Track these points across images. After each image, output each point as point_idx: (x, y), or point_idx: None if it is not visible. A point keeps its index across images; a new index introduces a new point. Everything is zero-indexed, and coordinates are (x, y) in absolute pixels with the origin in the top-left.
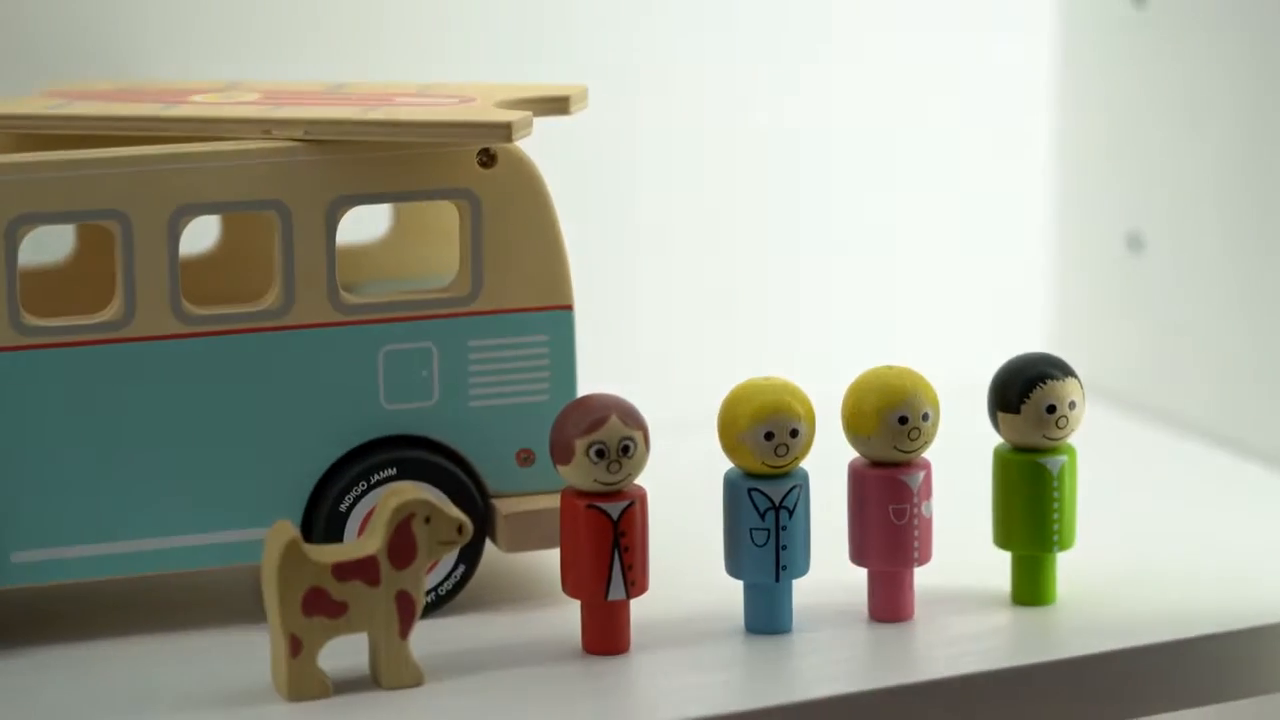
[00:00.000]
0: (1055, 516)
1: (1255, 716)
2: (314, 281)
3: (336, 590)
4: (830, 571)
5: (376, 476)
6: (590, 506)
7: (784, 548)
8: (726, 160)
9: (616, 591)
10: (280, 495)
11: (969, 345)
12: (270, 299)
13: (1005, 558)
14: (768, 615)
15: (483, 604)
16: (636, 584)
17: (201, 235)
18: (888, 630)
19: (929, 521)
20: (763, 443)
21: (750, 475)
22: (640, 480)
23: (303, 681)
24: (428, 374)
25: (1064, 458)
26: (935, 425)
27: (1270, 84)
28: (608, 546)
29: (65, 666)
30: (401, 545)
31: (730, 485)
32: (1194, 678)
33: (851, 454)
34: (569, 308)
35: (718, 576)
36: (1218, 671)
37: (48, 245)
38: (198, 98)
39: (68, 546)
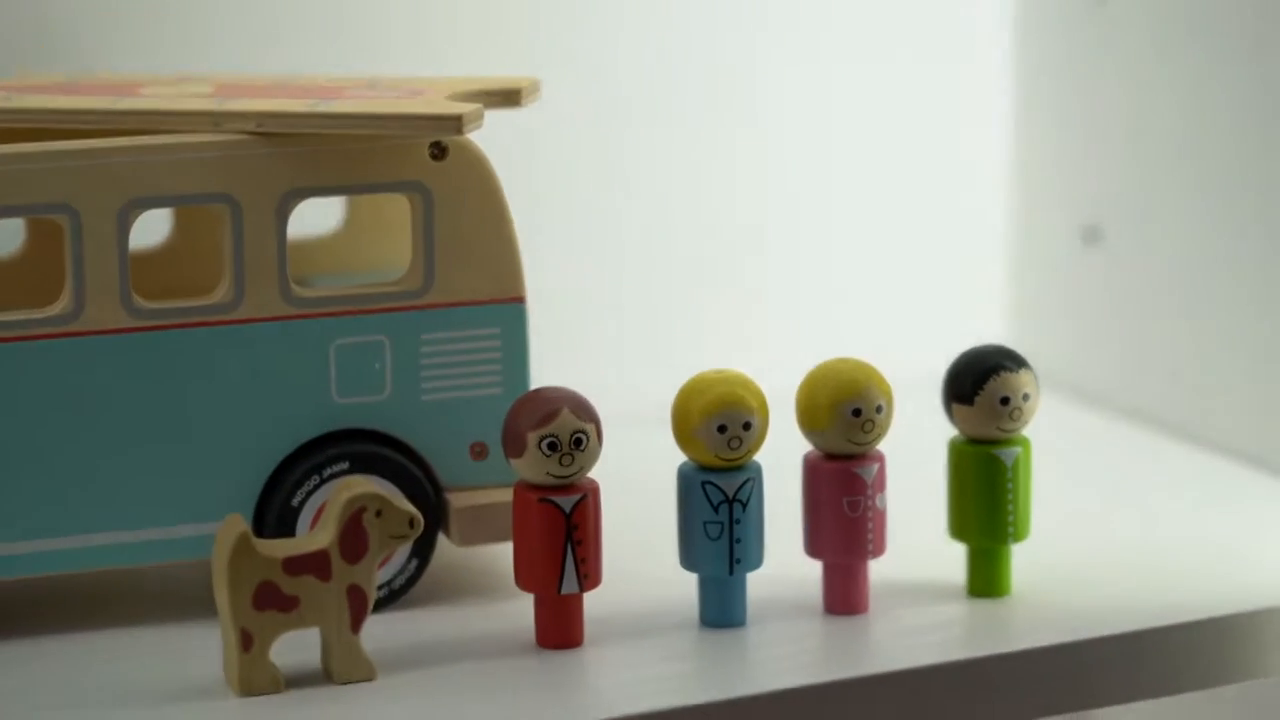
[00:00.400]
0: (1010, 508)
1: (1210, 708)
2: (265, 275)
3: (288, 585)
4: (784, 564)
5: (328, 471)
6: (543, 500)
7: (738, 540)
8: (680, 153)
9: (569, 585)
10: (232, 490)
11: (926, 337)
12: (221, 293)
13: (960, 549)
14: (722, 608)
15: (436, 598)
16: (590, 577)
17: (155, 229)
18: (842, 623)
19: (883, 514)
20: (716, 436)
21: (704, 468)
22: (594, 473)
23: (254, 676)
24: (380, 367)
25: (1018, 449)
26: (889, 418)
27: (1226, 78)
28: (560, 540)
29: (14, 663)
30: (353, 539)
31: (684, 478)
32: (1149, 670)
33: (806, 446)
34: (521, 300)
35: (672, 570)
36: (1172, 664)
37: None
38: (148, 91)
39: (16, 542)
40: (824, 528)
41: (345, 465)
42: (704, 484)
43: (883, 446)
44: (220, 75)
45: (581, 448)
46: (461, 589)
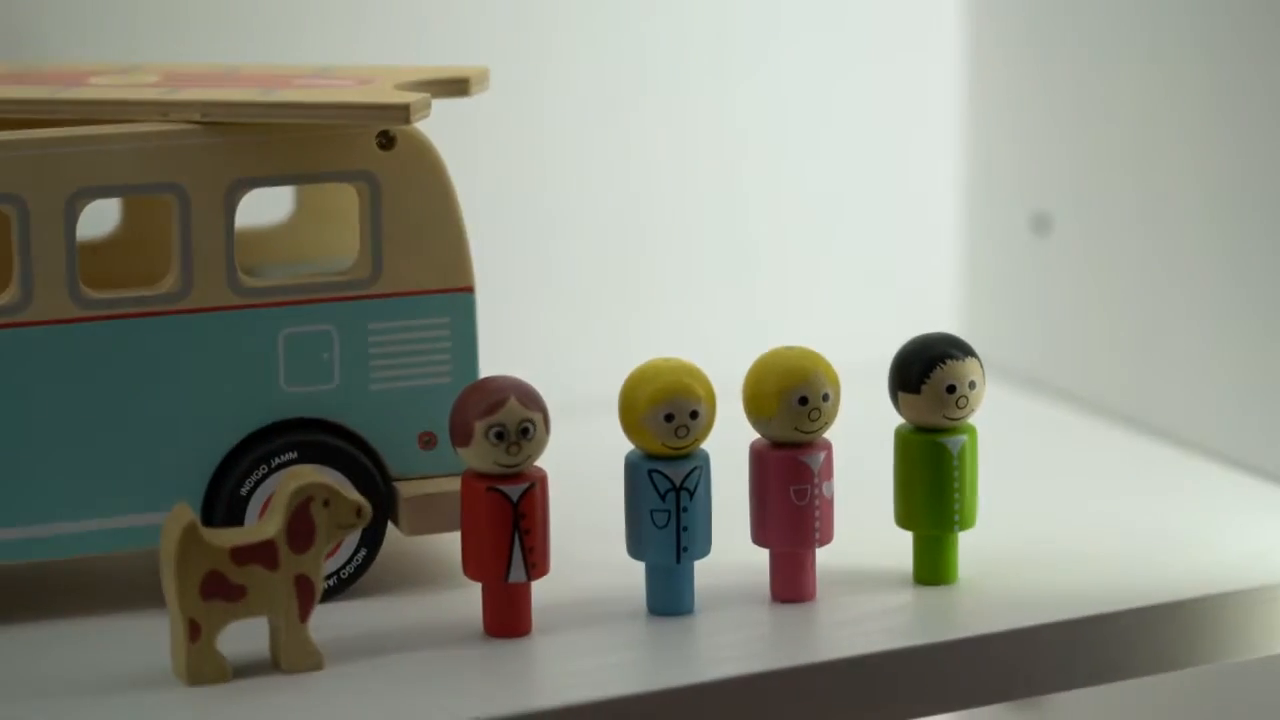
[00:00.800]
0: (956, 496)
1: (1156, 693)
2: (213, 264)
3: (235, 574)
4: (732, 552)
5: (277, 460)
6: (490, 489)
7: (685, 529)
8: (628, 142)
9: (517, 574)
10: (180, 479)
11: (877, 325)
12: (169, 282)
13: (907, 537)
14: (669, 596)
15: (384, 587)
16: (537, 566)
17: (104, 218)
18: (789, 610)
19: (830, 502)
20: (663, 424)
21: (651, 457)
22: (541, 462)
23: (202, 666)
24: (328, 357)
25: (964, 437)
26: (836, 406)
27: (1176, 67)
28: (508, 529)
29: None
30: (300, 529)
31: (631, 467)
32: (1095, 656)
33: (753, 435)
34: (470, 290)
35: (619, 558)
36: (1118, 650)
37: None
38: (96, 80)
39: None
40: (771, 516)
41: (294, 455)
42: (651, 472)
43: (830, 435)
44: (168, 65)
45: (529, 437)
46: (410, 578)
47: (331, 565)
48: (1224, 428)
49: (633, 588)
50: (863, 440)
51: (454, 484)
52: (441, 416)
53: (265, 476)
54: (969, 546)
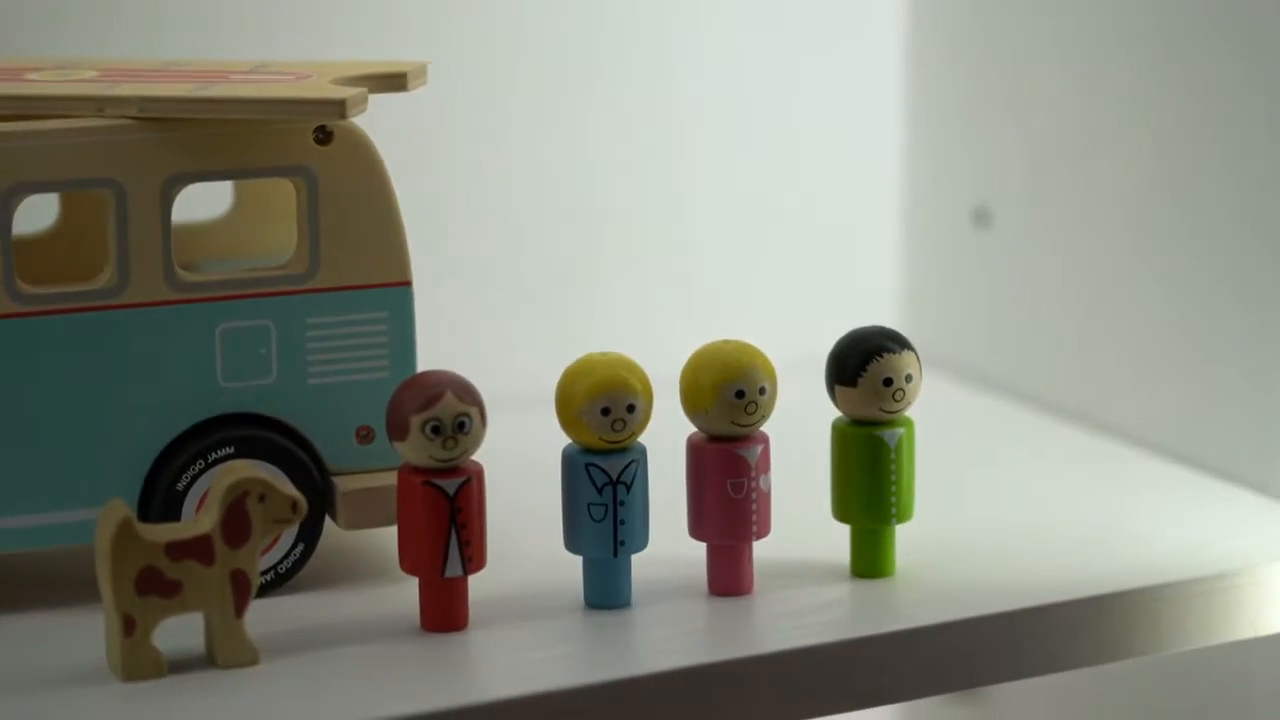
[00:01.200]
0: (893, 489)
1: (1093, 684)
2: (150, 260)
3: (170, 569)
4: (669, 546)
5: (214, 455)
6: (426, 483)
7: (622, 522)
8: (565, 136)
9: (454, 568)
10: (117, 475)
11: (817, 318)
12: (106, 278)
13: (844, 530)
14: (607, 590)
15: (322, 582)
16: (474, 560)
17: (42, 214)
18: (727, 604)
19: (767, 495)
20: (599, 418)
21: (588, 450)
22: (478, 456)
23: (137, 661)
24: (266, 352)
25: (901, 430)
26: (772, 399)
27: (1115, 60)
28: (444, 523)
29: None
30: (235, 524)
31: (568, 461)
32: (1031, 648)
33: (691, 428)
34: (407, 284)
35: (557, 552)
36: (1055, 642)
37: None
38: (32, 75)
39: None
40: (708, 509)
41: (231, 450)
42: (588, 466)
43: (768, 428)
44: (105, 60)
45: (465, 431)
46: (348, 573)
47: (269, 560)
48: (1163, 421)
49: (570, 581)
50: (802, 433)
51: (392, 478)
52: (379, 411)
53: (202, 471)
54: (906, 539)
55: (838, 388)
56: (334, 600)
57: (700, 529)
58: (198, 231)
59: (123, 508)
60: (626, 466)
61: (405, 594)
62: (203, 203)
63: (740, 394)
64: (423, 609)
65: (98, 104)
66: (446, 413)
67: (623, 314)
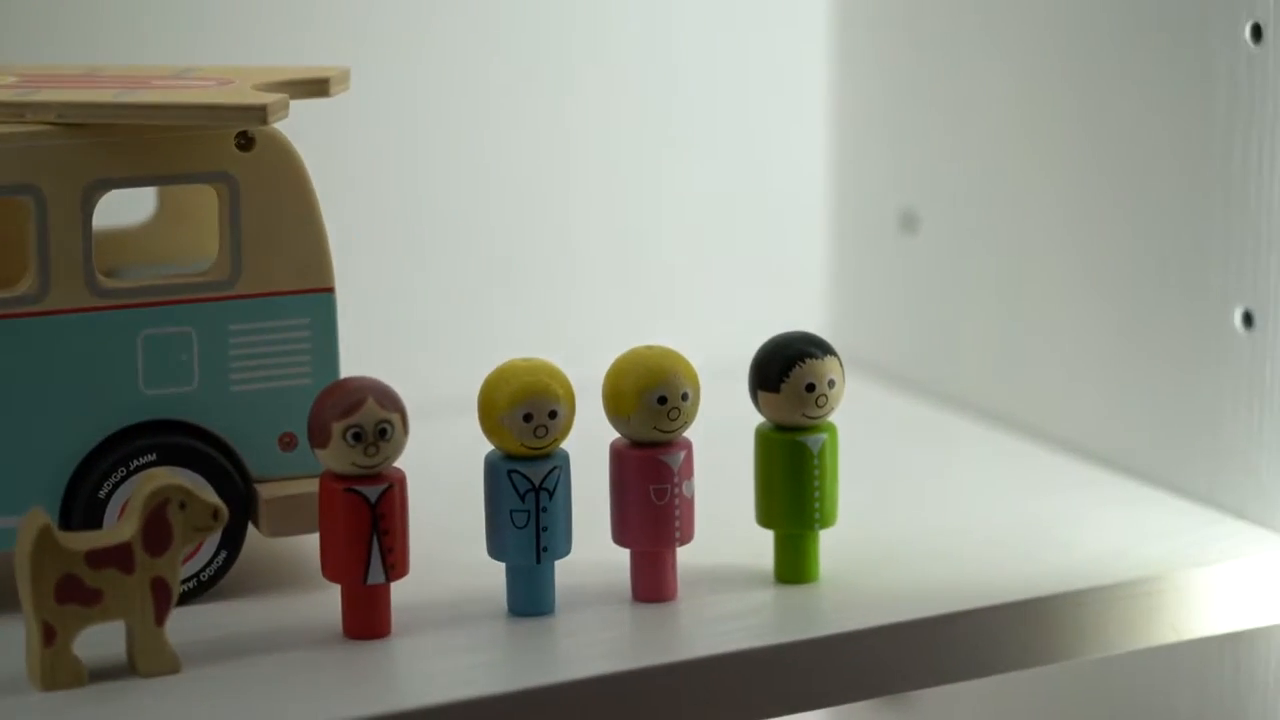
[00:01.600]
0: (816, 495)
1: (1018, 689)
2: (70, 266)
3: (90, 578)
4: (593, 552)
5: (136, 462)
6: (348, 490)
7: (545, 529)
8: (488, 141)
9: (376, 575)
10: (38, 482)
11: (744, 324)
12: (26, 284)
13: (768, 536)
14: (530, 597)
15: (245, 589)
16: (396, 567)
17: None
18: (651, 610)
19: (690, 501)
20: (522, 424)
21: (510, 457)
22: (400, 463)
23: (57, 670)
24: (187, 358)
25: (824, 436)
26: (695, 405)
27: (1041, 62)
28: (366, 530)
29: None
30: (156, 531)
31: (490, 467)
32: (956, 652)
33: (614, 434)
34: (330, 290)
35: (480, 559)
36: (979, 646)
37: None
38: None
39: None
40: (631, 515)
41: (153, 457)
42: (510, 473)
43: (692, 434)
44: (26, 66)
45: (386, 438)
46: (271, 580)
47: (192, 567)
48: (1087, 425)
49: (493, 588)
50: (725, 439)
51: (315, 485)
52: (302, 417)
53: (124, 479)
54: (831, 544)
55: (761, 393)
56: (256, 608)
57: (624, 535)
58: (121, 237)
59: (42, 516)
60: (549, 473)
61: (328, 601)
62: (126, 209)
63: (663, 400)
64: (345, 616)
65: (18, 110)
66: (368, 419)
67: (547, 319)
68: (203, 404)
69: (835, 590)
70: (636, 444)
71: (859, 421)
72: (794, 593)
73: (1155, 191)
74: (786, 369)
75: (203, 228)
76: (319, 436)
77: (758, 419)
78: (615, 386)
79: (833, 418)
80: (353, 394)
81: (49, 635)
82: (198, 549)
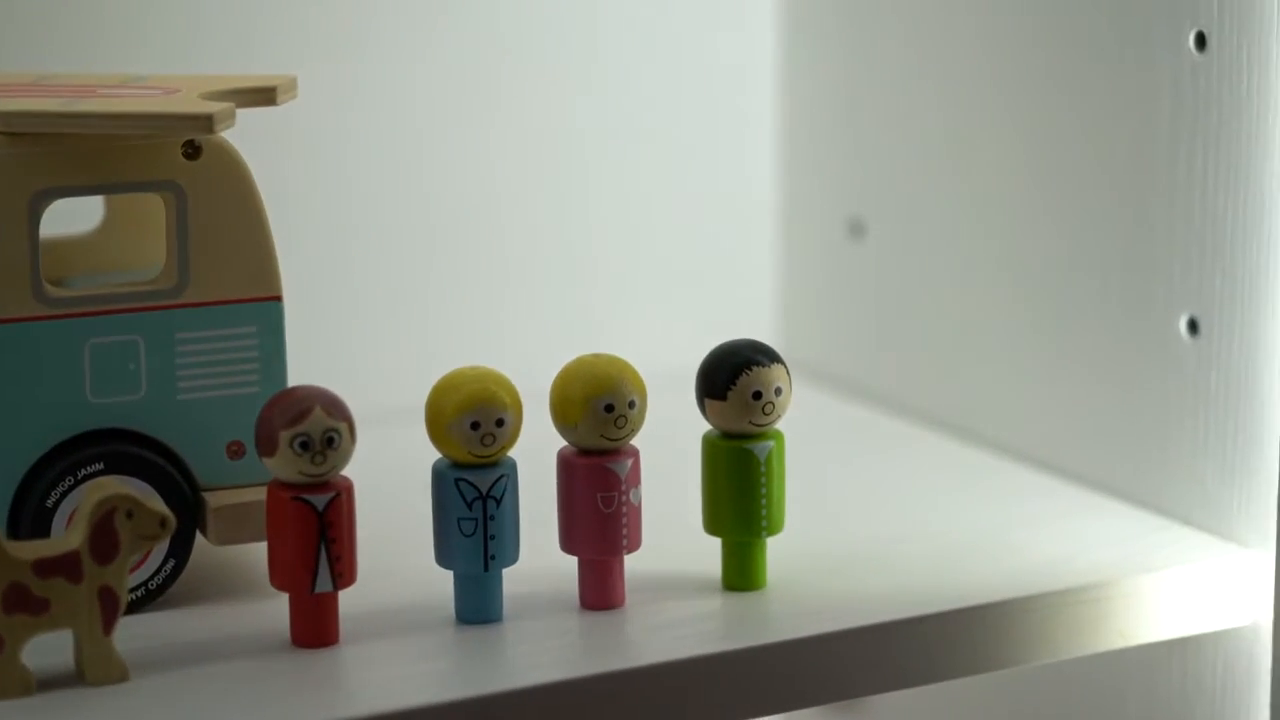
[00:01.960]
0: (763, 502)
1: (966, 696)
2: (17, 275)
3: (38, 587)
4: (541, 560)
5: (83, 471)
6: (295, 499)
7: (492, 537)
8: (436, 149)
9: (324, 584)
10: None
11: (693, 332)
12: None
13: (715, 543)
14: (478, 605)
15: (193, 598)
16: (344, 576)
17: None
18: (598, 617)
19: (638, 509)
20: (469, 432)
21: (457, 465)
22: (348, 471)
23: (5, 680)
24: (135, 367)
25: (771, 444)
26: (642, 413)
27: (987, 72)
28: (314, 538)
29: None
30: (103, 541)
31: (438, 475)
32: (903, 659)
33: (562, 442)
34: (278, 299)
35: (428, 567)
36: (927, 652)
37: None
38: None
39: None
40: (578, 523)
41: (100, 466)
42: (458, 481)
43: (640, 441)
44: None
45: (334, 446)
46: (219, 588)
47: (140, 576)
48: (1034, 432)
49: (441, 596)
50: (673, 447)
51: (263, 494)
52: (250, 426)
53: (72, 488)
54: (779, 552)
55: (707, 401)
56: (204, 616)
57: (571, 543)
58: (68, 246)
59: None
60: (496, 481)
61: (276, 609)
62: (74, 217)
63: (609, 408)
64: (293, 625)
65: None
66: (315, 428)
67: (494, 328)
68: (150, 413)
69: (782, 597)
70: (584, 452)
71: (808, 429)
72: (741, 600)
73: (1100, 200)
74: (733, 377)
75: (150, 236)
76: (266, 445)
77: (705, 426)
78: (562, 394)
79: (780, 425)
80: (300, 402)
81: None
82: (145, 558)
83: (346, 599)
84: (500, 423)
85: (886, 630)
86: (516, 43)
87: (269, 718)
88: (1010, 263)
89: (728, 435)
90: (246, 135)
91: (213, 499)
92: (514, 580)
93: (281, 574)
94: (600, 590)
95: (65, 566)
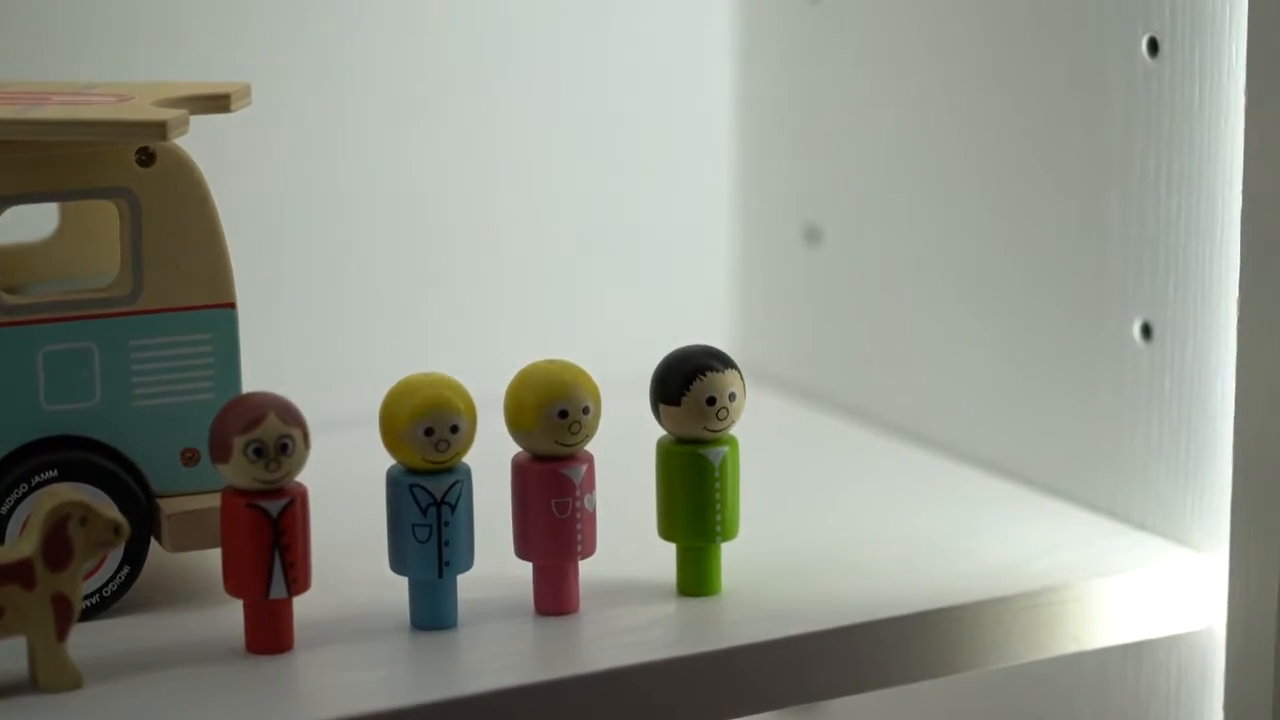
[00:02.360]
0: (718, 508)
1: (922, 700)
2: None
3: None
4: (495, 566)
5: (37, 479)
6: (250, 505)
7: (447, 543)
8: (391, 155)
9: (278, 590)
10: None
11: (650, 337)
12: None
13: (670, 549)
14: (432, 611)
15: (147, 605)
16: (298, 582)
17: None
18: (553, 623)
19: (592, 515)
20: (423, 439)
21: (412, 471)
22: (303, 478)
23: None
24: (89, 374)
25: (725, 449)
26: (596, 419)
27: (939, 81)
28: (268, 545)
29: None
30: (57, 547)
31: (392, 482)
32: (857, 664)
33: (516, 448)
34: (232, 305)
35: (382, 573)
36: (881, 657)
37: None
38: None
39: None
40: (533, 529)
41: (54, 473)
42: (412, 487)
43: (594, 447)
44: None
45: (288, 452)
46: (173, 595)
47: (94, 583)
48: (988, 436)
49: (396, 602)
50: (628, 452)
51: (217, 500)
52: (204, 433)
53: (25, 495)
54: (734, 557)
55: (662, 407)
56: (159, 623)
57: (526, 549)
58: (23, 254)
59: None
60: (451, 487)
61: (230, 616)
62: (28, 225)
63: (564, 414)
64: (247, 631)
65: None
66: (269, 434)
67: (450, 333)
68: (104, 420)
69: (737, 603)
70: (538, 458)
71: (763, 434)
72: (696, 605)
73: (1054, 204)
74: (687, 382)
75: (104, 244)
76: (220, 451)
77: (659, 432)
78: (516, 400)
79: (735, 430)
80: (254, 409)
81: None
82: (100, 565)
83: (301, 605)
84: (454, 429)
85: (840, 635)
86: (472, 48)
87: None
88: (965, 268)
89: (682, 441)
90: (201, 142)
91: (167, 506)
92: (469, 586)
93: (236, 580)
94: (555, 596)
95: (18, 573)
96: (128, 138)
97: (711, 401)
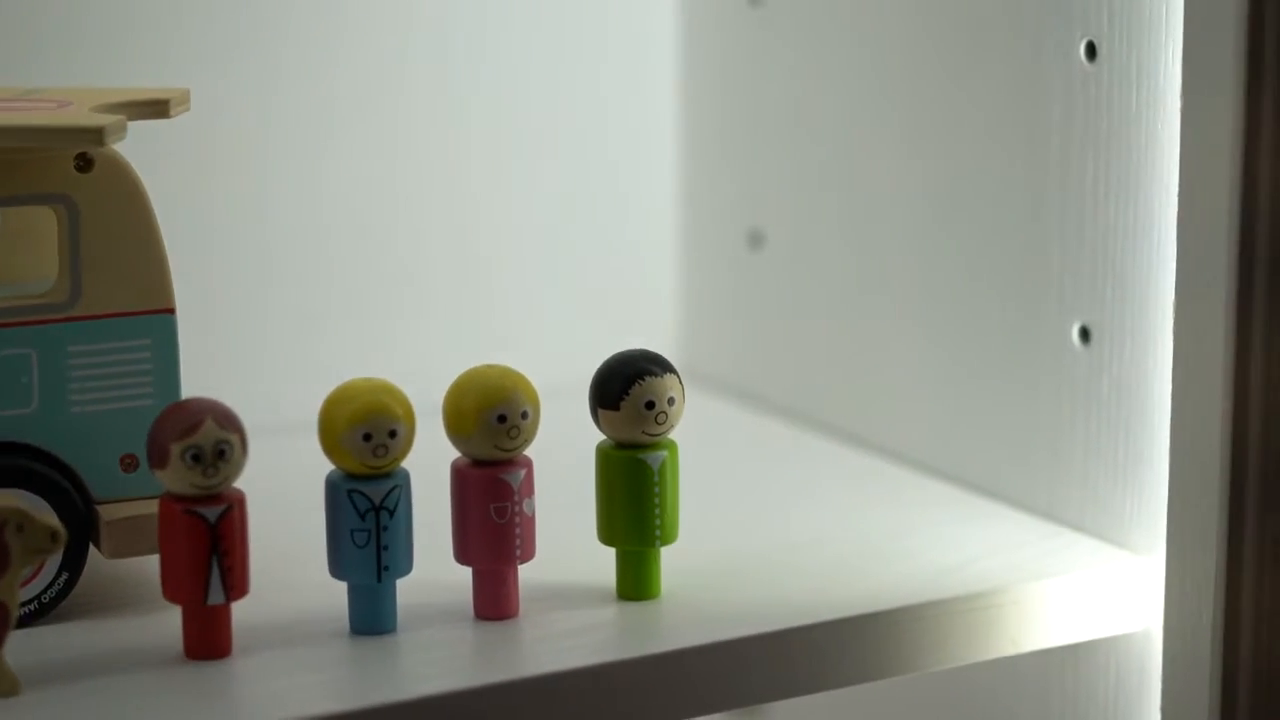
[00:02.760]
0: (657, 512)
1: (861, 703)
2: None
3: None
4: (434, 570)
5: None
6: (187, 511)
7: (385, 548)
8: (331, 161)
9: (216, 596)
10: None
11: (592, 342)
12: None
13: (610, 553)
14: (371, 616)
15: (86, 611)
16: (236, 588)
17: None
18: (493, 628)
19: (531, 519)
20: (361, 444)
21: (350, 476)
22: (241, 483)
23: None
24: (27, 380)
25: (664, 453)
26: (535, 424)
27: (878, 87)
28: (205, 551)
29: None
30: None
31: (330, 487)
32: (797, 667)
33: (455, 453)
34: (171, 311)
35: (321, 578)
36: (821, 660)
37: None
38: None
39: None
40: (472, 534)
41: None
42: (350, 492)
43: (534, 452)
44: None
45: (225, 458)
46: (112, 602)
47: (32, 589)
48: (927, 439)
49: (335, 607)
50: (572, 457)
51: (156, 506)
52: (143, 439)
53: None
54: (674, 561)
55: (601, 411)
56: (97, 629)
57: (465, 553)
58: None
59: None
60: (389, 492)
61: (170, 622)
62: None
63: (502, 418)
64: (186, 637)
65: None
66: (207, 440)
67: (390, 339)
68: (42, 426)
69: (677, 606)
70: (477, 462)
71: (705, 437)
72: (636, 609)
73: (993, 209)
74: (626, 387)
75: (42, 249)
76: (158, 457)
77: (599, 437)
78: (455, 405)
79: (675, 434)
80: (191, 415)
81: None
82: (38, 571)
83: (239, 611)
84: (393, 434)
85: (780, 638)
86: (410, 53)
87: None
88: (905, 272)
89: (621, 445)
90: (139, 148)
91: (106, 512)
92: (408, 591)
93: (174, 586)
94: (494, 600)
95: None
96: (64, 143)
97: (650, 406)
